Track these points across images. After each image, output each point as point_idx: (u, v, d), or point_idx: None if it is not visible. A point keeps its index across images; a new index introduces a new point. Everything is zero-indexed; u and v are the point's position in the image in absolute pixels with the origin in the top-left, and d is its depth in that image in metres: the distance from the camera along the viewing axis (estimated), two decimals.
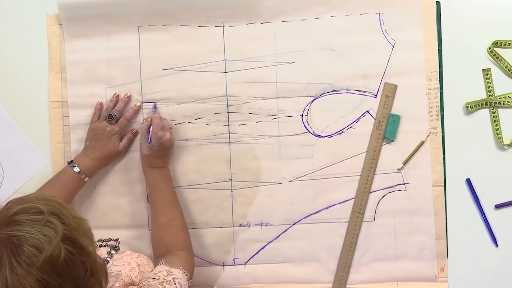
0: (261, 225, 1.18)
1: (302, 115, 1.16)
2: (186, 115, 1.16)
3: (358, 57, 1.15)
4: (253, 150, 1.17)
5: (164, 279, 0.93)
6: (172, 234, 1.08)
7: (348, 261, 1.16)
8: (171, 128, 1.14)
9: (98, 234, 0.85)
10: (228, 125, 1.17)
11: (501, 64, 1.14)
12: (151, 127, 1.10)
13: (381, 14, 1.14)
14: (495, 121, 1.15)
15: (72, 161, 1.12)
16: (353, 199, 1.16)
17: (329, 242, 1.17)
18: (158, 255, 1.07)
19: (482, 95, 1.15)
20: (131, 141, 1.17)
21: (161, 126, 1.10)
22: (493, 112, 1.14)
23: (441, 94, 1.14)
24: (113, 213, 1.18)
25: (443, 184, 1.15)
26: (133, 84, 1.17)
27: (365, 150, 1.15)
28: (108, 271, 0.88)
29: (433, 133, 1.15)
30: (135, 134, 1.17)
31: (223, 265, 1.19)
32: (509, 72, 1.14)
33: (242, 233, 1.18)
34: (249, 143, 1.17)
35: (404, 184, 1.15)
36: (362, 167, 1.15)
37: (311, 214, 1.17)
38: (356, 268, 1.17)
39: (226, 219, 1.18)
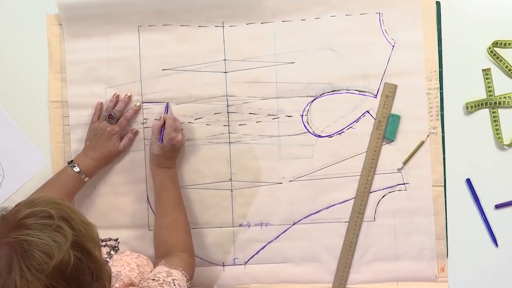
0: (261, 225, 1.18)
1: (302, 115, 1.16)
2: (186, 115, 1.16)
3: (358, 57, 1.15)
4: (253, 150, 1.17)
5: (164, 280, 0.93)
6: (175, 235, 1.08)
7: (348, 261, 1.16)
8: (182, 129, 1.14)
9: None
10: (228, 125, 1.17)
11: (501, 64, 1.14)
12: (163, 127, 1.10)
13: (381, 14, 1.14)
14: (495, 121, 1.14)
15: (72, 161, 1.12)
16: (353, 199, 1.16)
17: (329, 242, 1.17)
18: (160, 256, 1.07)
19: (482, 95, 1.15)
20: (131, 141, 1.17)
21: (174, 127, 1.10)
22: (493, 112, 1.14)
23: (441, 94, 1.14)
24: (113, 213, 1.18)
25: (443, 184, 1.15)
26: (133, 84, 1.17)
27: (365, 150, 1.15)
28: None
29: (433, 133, 1.15)
30: (135, 134, 1.17)
31: (223, 265, 1.19)
32: (509, 72, 1.14)
33: (242, 233, 1.18)
34: (249, 143, 1.17)
35: (404, 184, 1.15)
36: (362, 167, 1.15)
37: (311, 214, 1.17)
38: (356, 268, 1.17)
39: (226, 219, 1.18)
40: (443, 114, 1.15)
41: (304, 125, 1.16)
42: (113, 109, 1.15)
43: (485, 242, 1.16)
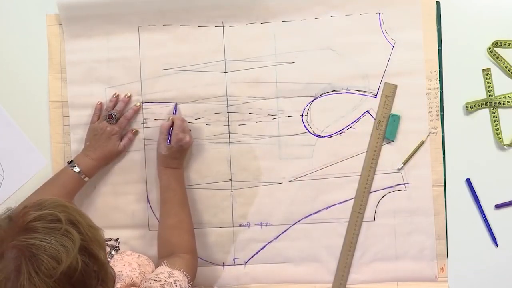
0: (261, 225, 1.18)
1: (302, 115, 1.16)
2: (186, 115, 1.16)
3: (358, 57, 1.15)
4: (253, 150, 1.17)
5: (165, 281, 0.93)
6: (178, 236, 1.08)
7: (348, 261, 1.16)
8: (190, 131, 1.14)
9: None
10: (228, 125, 1.17)
11: (501, 64, 1.14)
12: (172, 128, 1.10)
13: (381, 14, 1.14)
14: (495, 121, 1.15)
15: (72, 161, 1.12)
16: (353, 199, 1.16)
17: (329, 242, 1.17)
18: (163, 256, 1.07)
19: (482, 95, 1.15)
20: (131, 141, 1.17)
21: (182, 128, 1.10)
22: (493, 112, 1.14)
23: (441, 94, 1.14)
24: (113, 213, 1.18)
25: (443, 184, 1.15)
26: (133, 84, 1.17)
27: (365, 150, 1.15)
28: None
29: (433, 133, 1.15)
30: (135, 134, 1.17)
31: (223, 265, 1.19)
32: (509, 72, 1.14)
33: (242, 233, 1.18)
34: (249, 143, 1.17)
35: (404, 184, 1.15)
36: (362, 167, 1.15)
37: (311, 214, 1.17)
38: (356, 268, 1.17)
39: (226, 219, 1.18)
40: (443, 114, 1.15)
41: (304, 125, 1.16)
42: (113, 109, 1.15)
43: (485, 242, 1.16)
